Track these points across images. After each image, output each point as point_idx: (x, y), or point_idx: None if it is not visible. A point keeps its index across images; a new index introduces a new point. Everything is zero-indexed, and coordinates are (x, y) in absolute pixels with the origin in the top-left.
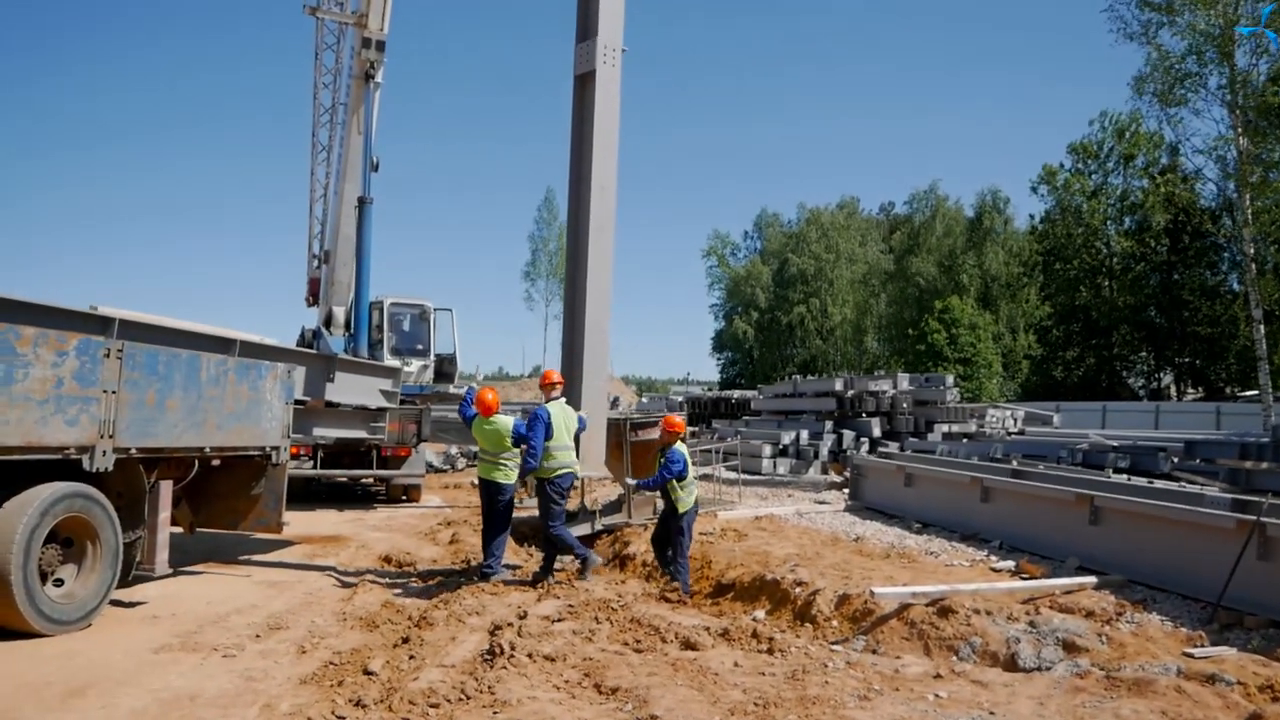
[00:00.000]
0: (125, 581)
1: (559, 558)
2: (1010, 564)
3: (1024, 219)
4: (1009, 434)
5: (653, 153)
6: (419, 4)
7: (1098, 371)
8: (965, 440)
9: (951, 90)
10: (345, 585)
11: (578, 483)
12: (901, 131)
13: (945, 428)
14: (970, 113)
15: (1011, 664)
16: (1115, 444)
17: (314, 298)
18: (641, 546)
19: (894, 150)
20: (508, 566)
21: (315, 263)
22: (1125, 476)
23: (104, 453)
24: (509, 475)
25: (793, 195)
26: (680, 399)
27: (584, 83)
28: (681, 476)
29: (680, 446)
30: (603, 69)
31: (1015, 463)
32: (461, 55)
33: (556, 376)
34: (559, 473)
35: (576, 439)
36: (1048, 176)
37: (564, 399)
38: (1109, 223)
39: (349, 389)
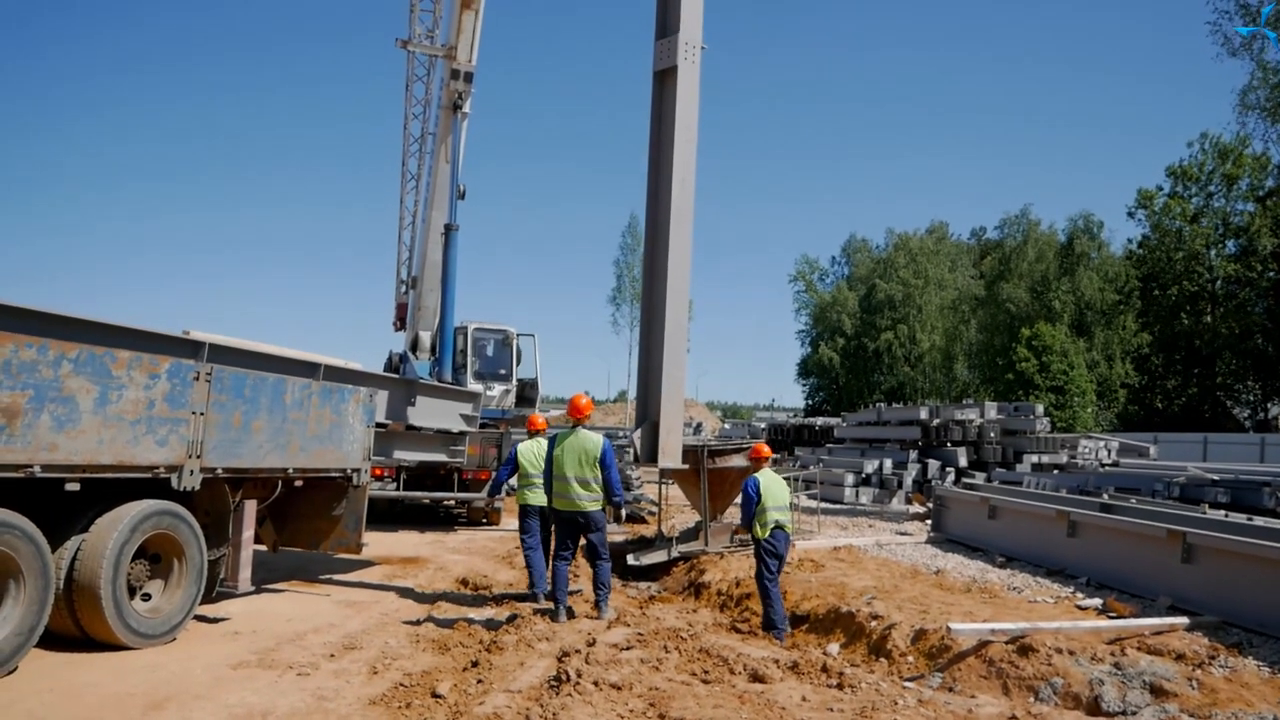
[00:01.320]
0: (209, 598)
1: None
2: (1097, 602)
3: (1119, 244)
4: (1102, 466)
5: (743, 177)
6: (507, 36)
7: (1200, 401)
8: (1055, 472)
9: (1043, 114)
10: (421, 607)
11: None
12: (992, 156)
13: (1035, 458)
14: (1062, 136)
15: (1094, 707)
16: (1215, 478)
17: (401, 322)
18: (717, 575)
19: (985, 175)
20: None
21: (403, 288)
22: (1224, 513)
23: (191, 472)
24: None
25: (882, 220)
26: (763, 425)
27: (663, 79)
28: (757, 503)
29: (759, 473)
30: (684, 65)
31: (1106, 496)
32: (548, 85)
33: (584, 403)
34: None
35: (603, 468)
36: (1144, 200)
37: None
38: (1211, 247)
39: (430, 413)
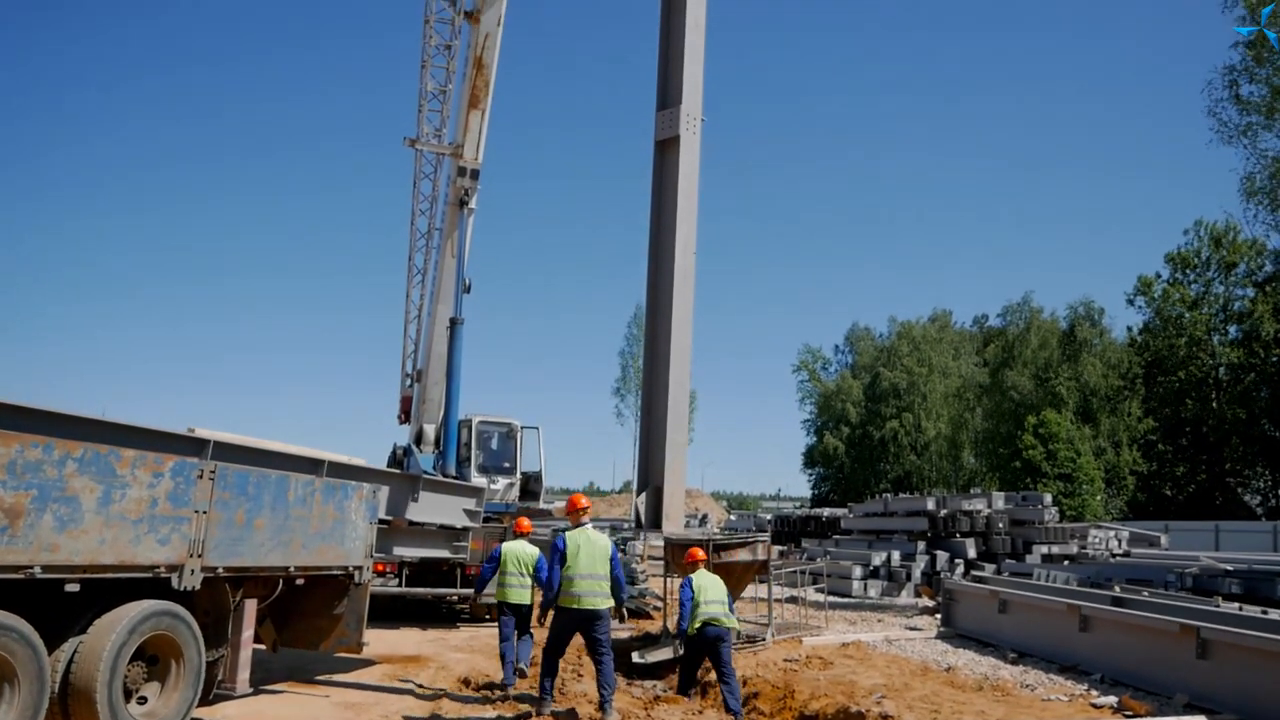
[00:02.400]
0: (206, 700)
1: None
2: (1112, 700)
3: (1121, 330)
4: (1113, 556)
5: (744, 268)
6: (513, 132)
7: (1209, 488)
8: (1066, 562)
9: (1042, 203)
10: (422, 707)
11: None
12: (993, 245)
13: (1044, 549)
14: (1062, 224)
15: None
16: (1228, 568)
17: (406, 415)
18: None
19: (986, 263)
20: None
21: (408, 381)
22: (1238, 605)
23: (193, 571)
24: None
25: (884, 309)
26: (769, 517)
27: (664, 148)
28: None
29: (694, 575)
30: (686, 135)
31: (1118, 588)
32: (552, 178)
33: (584, 502)
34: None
35: (612, 566)
36: (1144, 287)
37: (589, 525)
38: (1213, 333)
39: (433, 508)
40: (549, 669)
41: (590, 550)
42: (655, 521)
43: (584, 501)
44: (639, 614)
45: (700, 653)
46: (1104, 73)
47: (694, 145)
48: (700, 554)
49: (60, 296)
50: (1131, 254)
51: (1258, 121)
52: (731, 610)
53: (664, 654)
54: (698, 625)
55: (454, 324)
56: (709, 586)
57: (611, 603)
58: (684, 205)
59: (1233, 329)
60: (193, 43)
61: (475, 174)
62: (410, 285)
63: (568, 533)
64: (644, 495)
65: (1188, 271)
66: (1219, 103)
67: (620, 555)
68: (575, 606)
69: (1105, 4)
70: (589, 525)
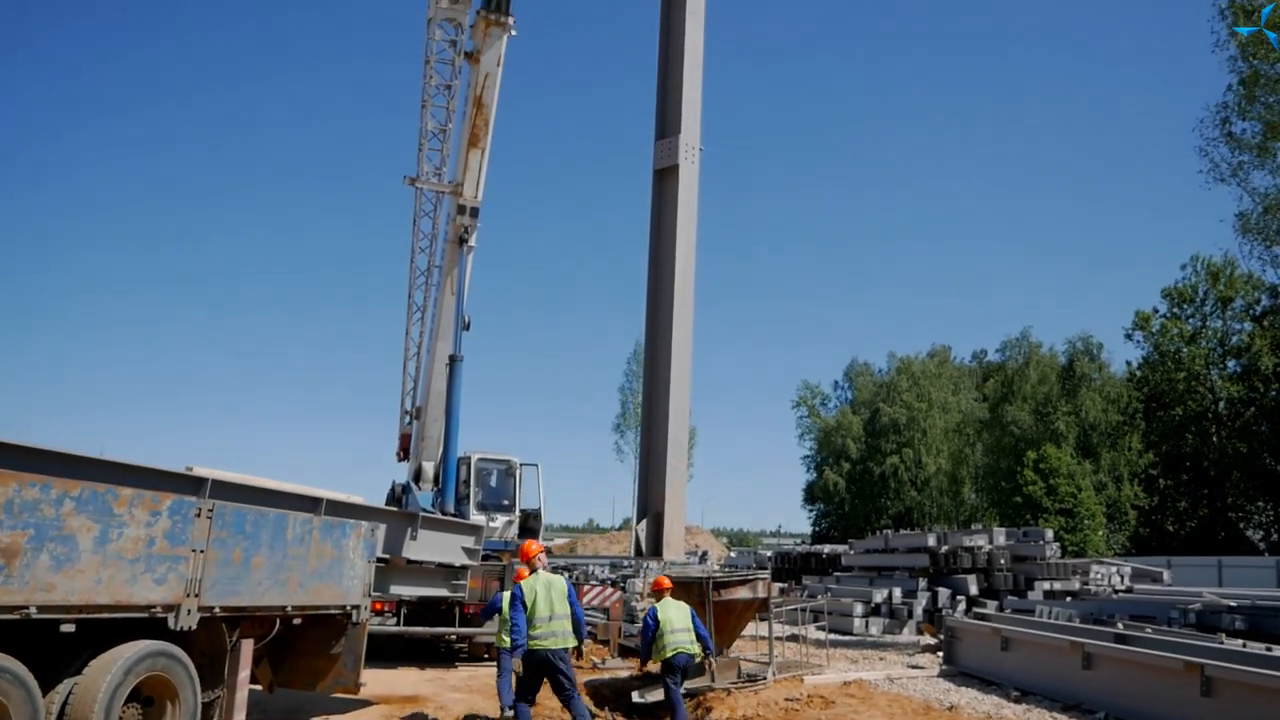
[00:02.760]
0: None
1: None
2: None
3: (1120, 365)
4: (1115, 592)
5: (742, 304)
6: (514, 169)
7: (1211, 523)
8: (1068, 599)
9: (1041, 238)
10: None
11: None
12: (992, 280)
13: (1046, 585)
14: (1060, 260)
15: None
16: (1232, 604)
17: (405, 453)
18: (724, 712)
19: (985, 299)
20: None
21: (407, 419)
22: (1241, 642)
23: (189, 611)
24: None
25: (883, 344)
26: (769, 554)
27: (663, 177)
28: (655, 631)
29: (658, 604)
30: (685, 165)
31: (1121, 625)
32: (553, 212)
33: (536, 548)
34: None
35: (572, 605)
36: (1141, 322)
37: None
38: (1211, 367)
39: (431, 546)
40: (524, 715)
41: (548, 593)
42: (656, 549)
43: (535, 548)
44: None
45: (674, 678)
46: (1100, 108)
47: (693, 174)
48: (666, 582)
49: (57, 333)
50: (1129, 289)
51: (1249, 160)
52: (701, 635)
53: (660, 694)
54: (669, 655)
55: (453, 361)
56: (675, 616)
57: (574, 641)
58: (683, 232)
59: (1231, 363)
60: (195, 74)
61: (475, 212)
62: (409, 322)
63: (524, 580)
64: (644, 523)
65: (1185, 306)
66: (1211, 142)
67: (620, 593)
68: (542, 647)
69: (1103, 39)
70: (542, 569)
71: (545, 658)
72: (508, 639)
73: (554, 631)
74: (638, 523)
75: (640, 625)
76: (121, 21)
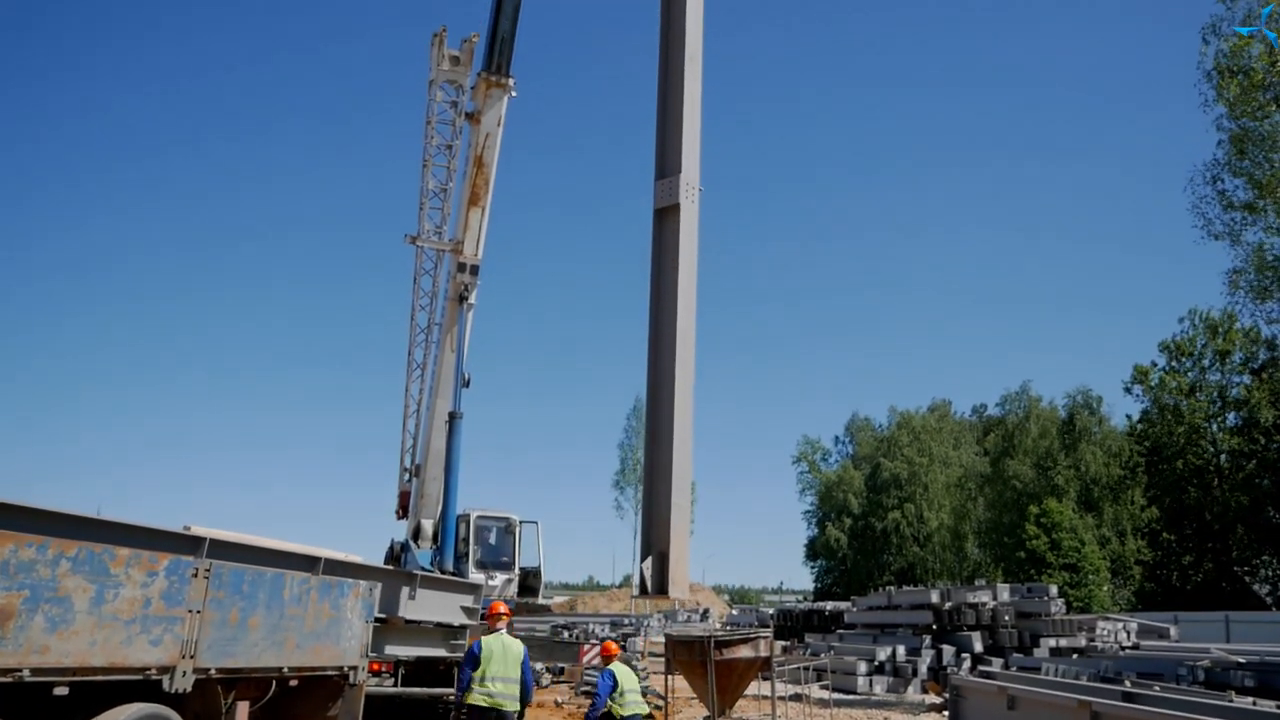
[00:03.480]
0: None
1: None
2: None
3: (1120, 418)
4: (1122, 648)
5: (743, 360)
6: (513, 228)
7: (1217, 577)
8: (1074, 656)
9: (1040, 293)
10: None
11: None
12: (991, 335)
13: (1052, 642)
14: (1059, 314)
15: None
16: (1241, 660)
17: (404, 510)
18: None
19: (984, 353)
20: None
21: (406, 476)
22: (1251, 700)
23: (184, 673)
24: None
25: (883, 399)
26: (771, 611)
27: (663, 216)
28: (609, 694)
29: (612, 666)
30: (685, 203)
31: (1129, 683)
32: (550, 272)
33: (502, 609)
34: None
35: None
36: (1140, 376)
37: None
38: (1211, 420)
39: (429, 606)
40: None
41: (504, 655)
42: (661, 587)
43: (502, 608)
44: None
45: None
46: (1095, 161)
47: (693, 213)
48: (614, 648)
49: (54, 392)
50: (1128, 342)
51: (1239, 218)
52: (644, 695)
53: None
54: (626, 714)
55: (453, 418)
56: (629, 677)
57: (518, 706)
58: (684, 267)
59: (1231, 416)
60: (194, 123)
61: (475, 270)
62: (409, 380)
63: (484, 637)
64: (648, 561)
65: (1184, 359)
66: (1203, 199)
67: (634, 665)
68: (487, 705)
69: (1101, 90)
70: (504, 630)
71: (493, 716)
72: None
73: (503, 693)
74: (642, 561)
75: (596, 687)
76: (115, 85)
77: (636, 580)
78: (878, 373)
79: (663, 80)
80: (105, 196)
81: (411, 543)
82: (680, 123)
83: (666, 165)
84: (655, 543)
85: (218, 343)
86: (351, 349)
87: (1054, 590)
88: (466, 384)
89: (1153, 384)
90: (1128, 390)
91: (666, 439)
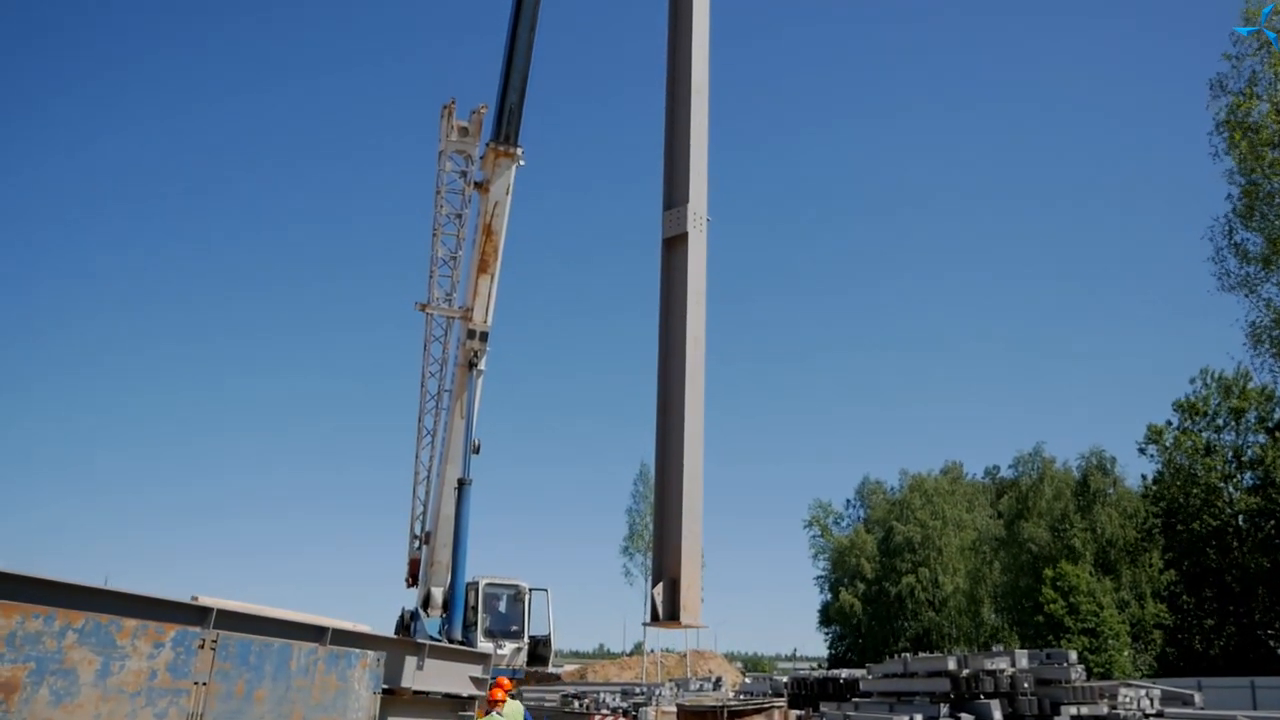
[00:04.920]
0: None
1: None
2: None
3: (1134, 478)
4: (1146, 716)
5: (754, 426)
6: (522, 295)
7: (1241, 642)
8: None
9: (1052, 352)
10: None
11: None
12: (1003, 395)
13: (1073, 710)
14: (1071, 373)
15: None
16: None
17: (414, 579)
18: None
19: (995, 414)
20: None
21: (416, 544)
22: None
23: None
24: None
25: (894, 462)
26: (785, 679)
27: (671, 246)
28: None
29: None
30: (693, 233)
31: None
32: (557, 336)
33: (499, 695)
34: None
35: None
36: (1154, 436)
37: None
38: (1227, 481)
39: (437, 676)
40: None
41: None
42: (673, 613)
43: (499, 694)
44: None
45: None
46: (1104, 221)
47: (701, 243)
48: (507, 683)
49: (61, 461)
50: (1140, 401)
51: (1256, 273)
52: None
53: None
54: None
55: (462, 485)
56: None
57: None
58: (693, 297)
59: (1248, 476)
60: (205, 212)
61: (484, 336)
62: (419, 447)
63: (493, 714)
64: (659, 587)
65: (1197, 419)
66: (1220, 250)
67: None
68: None
69: (1110, 143)
70: (512, 702)
71: None
72: None
73: None
74: (653, 587)
75: None
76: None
77: (646, 606)
78: (888, 434)
79: (670, 110)
80: (119, 279)
81: (421, 611)
82: (687, 155)
83: (674, 197)
84: (667, 570)
85: (226, 408)
86: (364, 417)
87: (1074, 656)
88: (477, 450)
89: (1167, 444)
90: (1141, 451)
91: (676, 461)
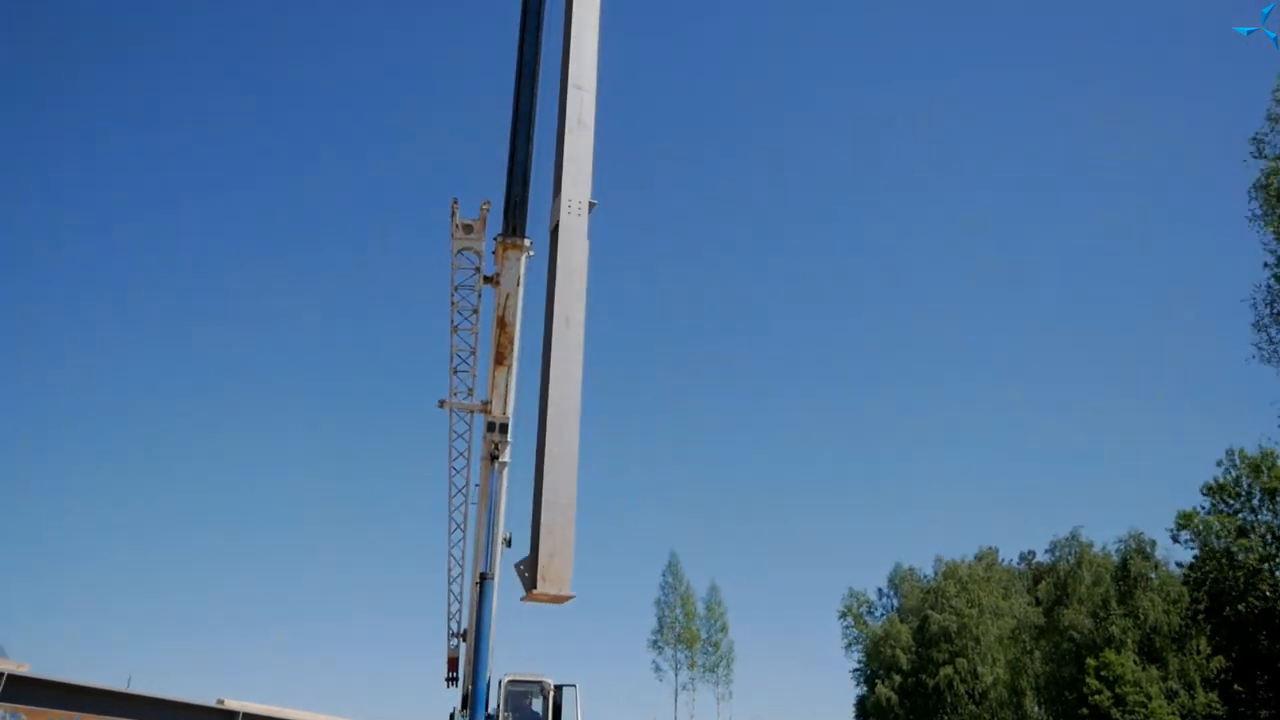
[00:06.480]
0: None
1: None
2: None
3: (1175, 563)
4: None
5: (780, 513)
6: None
7: None
8: None
9: (1084, 434)
10: None
11: None
12: (1035, 479)
13: None
14: (1101, 455)
15: None
16: None
17: (453, 678)
18: None
19: (1029, 498)
20: None
21: (454, 641)
22: None
23: None
24: None
25: (927, 548)
26: None
27: (555, 233)
28: None
29: None
30: (566, 217)
31: None
32: (585, 424)
33: None
34: None
35: None
36: (1185, 521)
37: None
38: (1266, 562)
39: None
40: None
41: None
42: (533, 582)
43: None
44: None
45: None
46: (1121, 299)
47: (576, 227)
48: None
49: (76, 559)
50: (1172, 482)
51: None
52: None
53: None
54: None
55: (483, 579)
56: None
57: None
58: (564, 277)
59: None
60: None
61: (505, 428)
62: (451, 543)
63: None
64: (523, 562)
65: (1230, 501)
66: (1263, 318)
67: None
68: None
69: (1129, 216)
70: None
71: None
72: None
73: None
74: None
75: None
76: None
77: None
78: (920, 521)
79: (560, 108)
80: (141, 369)
81: (458, 712)
82: (561, 146)
83: (556, 186)
84: (532, 543)
85: (253, 504)
86: (398, 513)
87: None
88: (508, 543)
89: (1199, 529)
90: (1174, 538)
91: (548, 432)
